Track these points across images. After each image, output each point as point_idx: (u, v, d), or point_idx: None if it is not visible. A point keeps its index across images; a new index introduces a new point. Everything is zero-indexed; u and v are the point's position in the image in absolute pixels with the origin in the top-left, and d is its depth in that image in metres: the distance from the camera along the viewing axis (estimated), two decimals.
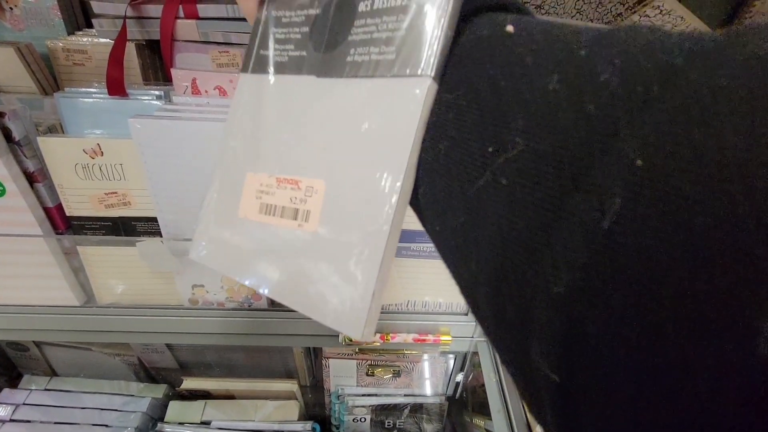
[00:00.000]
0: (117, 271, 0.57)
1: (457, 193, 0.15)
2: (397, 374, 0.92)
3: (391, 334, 0.60)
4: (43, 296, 0.57)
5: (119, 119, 0.50)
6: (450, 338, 0.60)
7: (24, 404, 0.87)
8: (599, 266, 0.11)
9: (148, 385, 0.93)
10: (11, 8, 0.60)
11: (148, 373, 0.96)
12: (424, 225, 0.19)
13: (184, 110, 0.48)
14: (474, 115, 0.14)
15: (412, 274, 0.57)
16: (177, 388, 0.91)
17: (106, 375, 0.94)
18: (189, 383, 0.91)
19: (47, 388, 0.91)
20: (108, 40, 0.58)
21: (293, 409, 0.93)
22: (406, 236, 0.54)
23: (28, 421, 0.84)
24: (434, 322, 0.60)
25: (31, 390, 0.90)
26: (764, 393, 0.08)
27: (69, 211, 0.52)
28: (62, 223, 0.54)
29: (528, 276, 0.12)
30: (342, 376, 0.93)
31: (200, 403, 0.91)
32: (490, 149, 0.14)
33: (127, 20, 0.54)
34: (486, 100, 0.14)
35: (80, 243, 0.53)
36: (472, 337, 0.62)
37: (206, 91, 0.53)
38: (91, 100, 0.49)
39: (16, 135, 0.47)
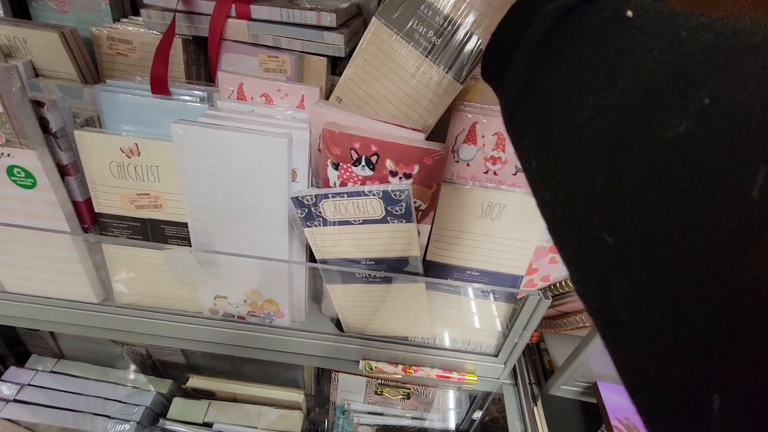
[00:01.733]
0: (139, 272, 0.55)
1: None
2: (406, 396, 0.89)
3: (414, 367, 0.58)
4: (63, 290, 0.55)
5: (160, 118, 0.48)
6: (475, 378, 0.57)
7: (29, 385, 0.86)
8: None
9: (154, 379, 0.91)
10: None
11: (153, 365, 0.95)
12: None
13: (229, 118, 0.46)
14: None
15: (443, 310, 0.54)
16: (182, 386, 0.90)
17: (112, 362, 0.93)
18: (195, 382, 0.89)
19: (53, 370, 0.90)
20: (154, 32, 0.56)
21: (297, 419, 0.91)
22: (442, 271, 0.51)
23: (32, 404, 0.83)
24: (460, 360, 0.57)
25: (37, 371, 0.89)
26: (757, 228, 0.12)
27: (98, 208, 0.51)
28: (89, 218, 0.52)
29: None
30: (349, 391, 0.91)
31: (204, 403, 0.90)
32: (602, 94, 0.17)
33: (176, 15, 0.52)
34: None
35: (107, 242, 0.51)
36: (498, 378, 0.59)
37: (252, 98, 0.50)
38: (132, 96, 0.47)
39: (53, 126, 0.45)
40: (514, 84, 0.22)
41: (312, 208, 0.43)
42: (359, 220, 0.43)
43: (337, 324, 0.59)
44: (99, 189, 0.49)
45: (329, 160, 0.42)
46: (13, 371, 0.88)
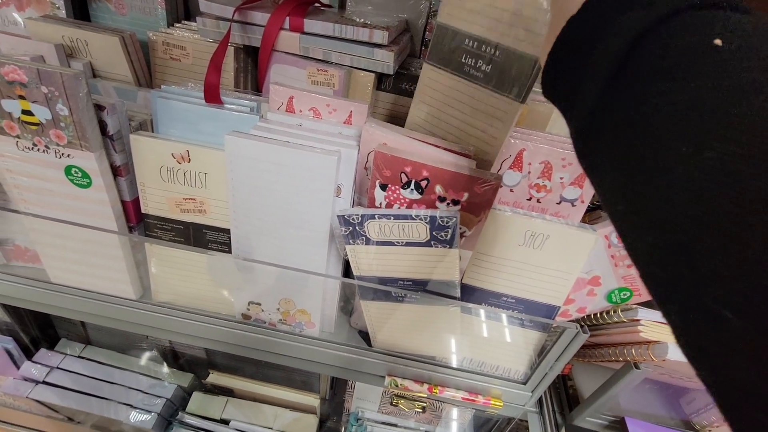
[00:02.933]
0: (178, 272, 0.56)
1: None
2: (422, 410, 0.89)
3: (439, 387, 0.57)
4: (104, 285, 0.57)
5: (211, 127, 0.49)
6: (501, 404, 0.57)
7: (58, 368, 0.89)
8: None
9: (175, 372, 0.93)
10: None
11: (176, 357, 0.97)
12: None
13: (279, 131, 0.46)
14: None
15: (475, 333, 0.54)
16: (202, 380, 0.92)
17: (136, 351, 0.96)
18: (215, 378, 0.91)
19: (81, 355, 0.93)
20: (208, 40, 0.57)
21: (311, 423, 0.91)
22: (477, 295, 0.51)
23: (59, 387, 0.86)
24: (487, 384, 0.57)
25: (66, 355, 0.92)
26: None
27: (145, 209, 0.52)
28: (135, 217, 0.54)
29: None
30: (365, 399, 0.91)
31: (222, 399, 0.91)
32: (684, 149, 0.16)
33: (232, 25, 0.53)
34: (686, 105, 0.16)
35: (154, 243, 0.52)
36: (524, 405, 0.58)
37: (300, 111, 0.51)
38: (186, 104, 0.48)
39: (111, 129, 0.47)
40: (588, 105, 0.21)
41: (357, 227, 0.43)
42: (402, 242, 0.44)
43: (365, 337, 0.59)
44: (148, 191, 0.50)
45: (378, 181, 0.42)
46: (43, 353, 0.91)
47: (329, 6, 0.62)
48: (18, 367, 0.88)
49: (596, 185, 0.21)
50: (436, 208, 0.42)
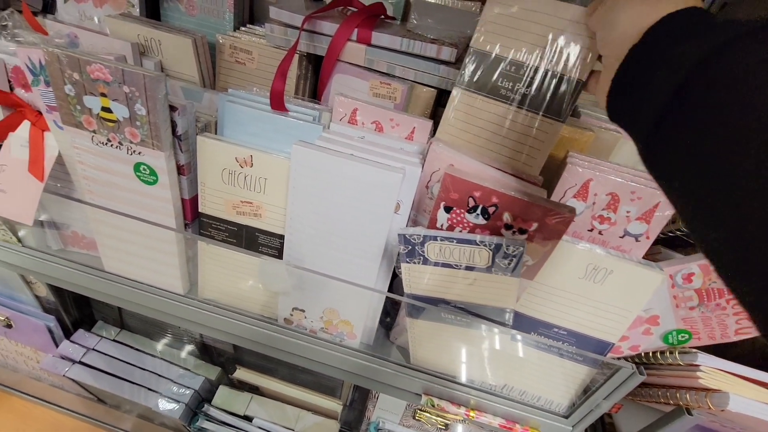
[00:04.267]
0: (226, 271, 0.57)
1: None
2: (444, 427, 0.87)
3: (476, 411, 0.56)
4: (155, 278, 0.58)
5: (275, 133, 0.49)
6: None
7: (93, 350, 0.92)
8: None
9: (203, 364, 0.95)
10: None
11: (204, 348, 0.98)
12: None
13: (342, 143, 0.46)
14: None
15: (520, 360, 0.52)
16: (229, 375, 0.93)
17: (166, 337, 0.98)
18: (241, 373, 0.92)
19: (115, 339, 0.96)
20: (273, 46, 0.57)
21: (332, 428, 0.91)
22: (527, 323, 0.50)
23: (94, 368, 0.89)
24: (527, 414, 0.55)
25: (101, 337, 0.94)
26: None
27: (202, 208, 0.53)
28: (191, 214, 0.55)
29: None
30: (387, 410, 0.90)
31: (247, 396, 0.92)
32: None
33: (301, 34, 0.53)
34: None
35: (210, 242, 0.53)
36: None
37: (363, 123, 0.51)
38: (252, 110, 0.49)
39: (180, 130, 0.48)
40: (653, 117, 0.23)
41: (416, 247, 0.43)
42: (462, 266, 0.43)
43: (403, 352, 0.59)
44: (207, 191, 0.51)
45: (443, 203, 0.41)
46: (80, 334, 0.94)
47: (393, 18, 0.62)
48: (57, 345, 0.92)
49: (666, 188, 0.24)
50: (501, 235, 0.41)
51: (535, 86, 0.42)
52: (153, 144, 0.45)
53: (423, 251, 0.43)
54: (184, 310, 0.60)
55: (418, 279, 0.46)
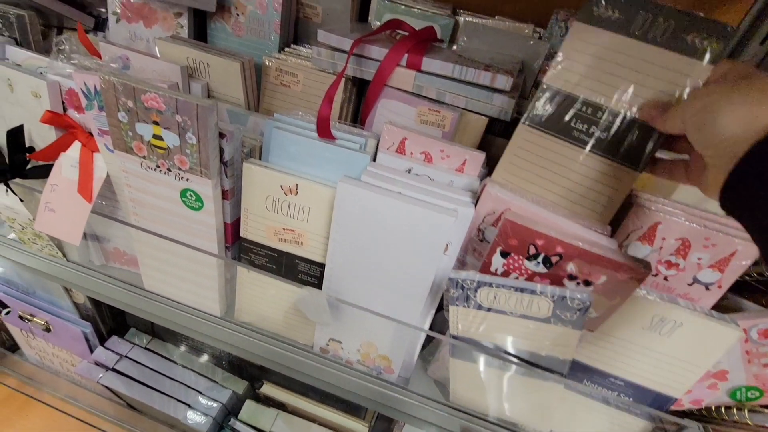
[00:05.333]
0: (264, 296, 0.56)
1: None
2: None
3: None
4: (193, 299, 0.58)
5: (321, 162, 0.48)
6: None
7: (126, 357, 0.93)
8: None
9: (231, 377, 0.95)
10: (238, 15, 0.61)
11: (231, 360, 0.98)
12: None
13: (390, 178, 0.45)
14: None
15: (572, 409, 0.49)
16: (256, 390, 0.92)
17: (196, 347, 0.98)
18: (268, 389, 0.91)
19: (147, 347, 0.97)
20: (319, 69, 0.56)
21: None
22: (582, 370, 0.47)
23: (126, 375, 0.90)
24: None
25: (134, 345, 0.96)
26: None
27: (244, 233, 0.52)
28: (232, 238, 0.54)
29: None
30: None
31: (273, 412, 0.91)
32: None
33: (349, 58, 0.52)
34: None
35: (253, 270, 0.52)
36: None
37: (411, 153, 0.49)
38: (300, 137, 0.47)
39: (226, 156, 0.47)
40: None
41: (468, 292, 0.41)
42: (517, 314, 0.40)
43: (441, 387, 0.56)
44: (250, 217, 0.51)
45: (500, 248, 0.39)
46: (114, 340, 0.96)
47: (441, 41, 0.60)
48: (92, 351, 0.94)
49: None
50: (562, 285, 0.38)
51: (612, 131, 0.39)
52: (201, 172, 0.45)
53: (475, 296, 0.41)
54: (220, 332, 0.59)
55: (466, 323, 0.44)
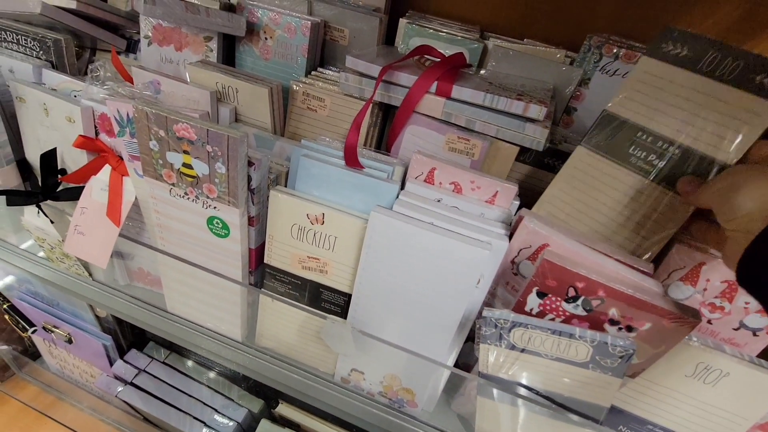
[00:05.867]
0: (286, 322, 0.55)
1: None
2: None
3: None
4: (214, 323, 0.58)
5: (349, 191, 0.47)
6: None
7: (144, 371, 0.94)
8: None
9: (247, 395, 0.94)
10: (267, 39, 0.62)
11: (247, 377, 0.98)
12: None
13: (423, 208, 0.44)
14: None
15: None
16: (272, 410, 0.92)
17: (213, 363, 0.98)
18: (284, 409, 0.90)
19: (165, 361, 0.97)
20: (345, 94, 0.56)
21: None
22: (618, 415, 0.44)
23: (144, 390, 0.90)
24: None
25: (152, 359, 0.96)
26: None
27: (267, 259, 0.52)
28: (255, 263, 0.54)
29: None
30: None
31: None
32: None
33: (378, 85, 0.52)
34: None
35: (278, 299, 0.52)
36: None
37: (440, 183, 0.48)
38: (327, 166, 0.47)
39: (254, 183, 0.47)
40: None
41: (502, 331, 0.39)
42: (552, 357, 0.38)
43: (464, 422, 0.54)
44: (275, 244, 0.50)
45: (536, 288, 0.37)
46: (133, 354, 0.97)
47: (469, 65, 0.59)
48: (111, 363, 0.94)
49: None
50: (603, 329, 0.36)
51: (671, 162, 0.40)
52: (229, 201, 0.45)
53: (508, 336, 0.39)
54: (241, 357, 0.59)
55: (497, 362, 0.42)
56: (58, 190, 0.54)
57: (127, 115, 0.45)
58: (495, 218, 0.45)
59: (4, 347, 1.13)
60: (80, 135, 0.49)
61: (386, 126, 0.62)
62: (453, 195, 0.47)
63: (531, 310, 0.39)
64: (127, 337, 0.97)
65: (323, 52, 0.66)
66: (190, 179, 0.45)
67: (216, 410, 0.89)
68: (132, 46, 0.69)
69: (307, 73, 0.62)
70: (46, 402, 1.14)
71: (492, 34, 0.65)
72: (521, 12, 0.66)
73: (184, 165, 0.44)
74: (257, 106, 0.56)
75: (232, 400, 0.92)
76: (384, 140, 0.62)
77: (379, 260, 0.44)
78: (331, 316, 0.51)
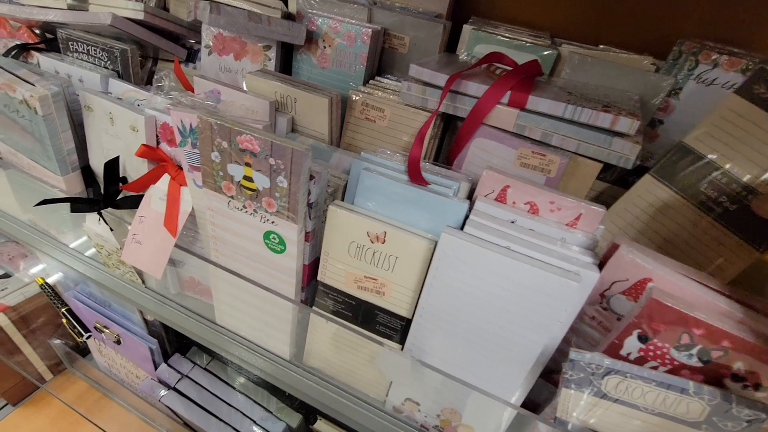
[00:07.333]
0: (337, 343, 0.52)
1: None
2: None
3: None
4: (262, 339, 0.56)
5: (413, 208, 0.44)
6: None
7: (186, 376, 0.94)
8: None
9: (285, 408, 0.92)
10: (325, 47, 0.60)
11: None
12: None
13: (494, 230, 0.39)
14: None
15: None
16: (310, 426, 0.89)
17: (255, 375, 0.97)
18: (322, 426, 0.87)
19: (206, 368, 0.97)
20: (406, 104, 0.53)
21: None
22: None
23: (186, 397, 0.90)
24: None
25: (195, 364, 0.96)
26: None
27: (322, 277, 0.49)
28: (308, 279, 0.51)
29: None
30: None
31: None
32: None
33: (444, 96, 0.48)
34: None
35: (332, 320, 0.49)
36: None
37: (514, 203, 0.43)
38: (391, 181, 0.44)
39: (312, 198, 0.44)
40: None
41: (591, 377, 0.34)
42: (653, 411, 0.33)
43: None
44: (330, 262, 0.47)
45: (637, 331, 0.32)
46: (177, 358, 0.98)
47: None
48: (156, 366, 0.96)
49: None
50: (722, 385, 0.31)
51: (742, 206, 0.39)
52: (288, 216, 0.43)
53: (600, 383, 0.34)
54: (287, 375, 0.57)
55: (581, 410, 0.37)
56: (118, 198, 0.54)
57: (190, 125, 0.44)
58: (578, 244, 0.40)
59: (58, 341, 1.18)
60: (143, 144, 0.49)
61: (444, 137, 0.58)
62: (528, 216, 0.43)
63: (628, 354, 0.34)
64: (172, 341, 0.98)
65: (380, 61, 0.64)
66: (249, 192, 0.43)
67: (255, 422, 0.88)
68: (192, 56, 0.70)
69: (365, 82, 0.60)
70: (93, 398, 1.18)
71: (563, 40, 0.60)
72: (595, 16, 0.61)
73: (245, 177, 0.42)
74: (315, 116, 0.54)
75: (271, 413, 0.90)
76: (443, 153, 0.58)
77: (446, 285, 0.41)
78: (387, 341, 0.47)
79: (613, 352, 0.34)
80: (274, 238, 0.45)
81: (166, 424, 1.05)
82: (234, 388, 0.94)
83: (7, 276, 1.24)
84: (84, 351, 1.22)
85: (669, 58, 0.52)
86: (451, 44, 0.63)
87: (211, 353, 1.01)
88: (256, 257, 0.48)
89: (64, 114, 0.51)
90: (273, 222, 0.44)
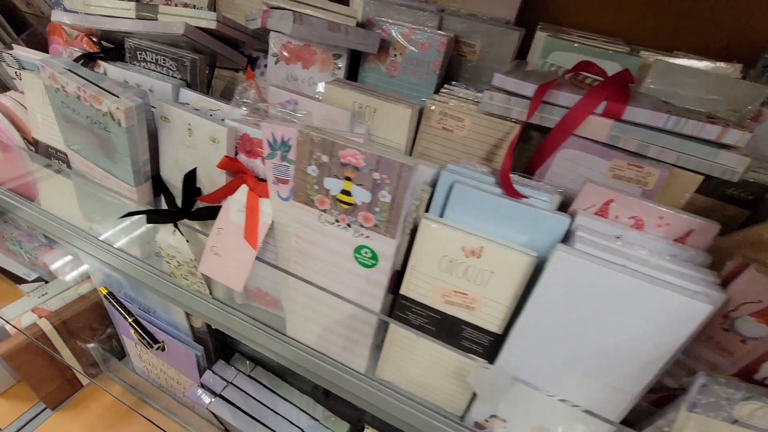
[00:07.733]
0: (414, 356, 0.51)
1: None
2: None
3: None
4: (338, 352, 0.55)
5: (508, 221, 0.43)
6: None
7: (231, 383, 0.94)
8: None
9: (332, 417, 0.91)
10: (396, 55, 0.59)
11: (334, 397, 0.95)
12: None
13: (604, 246, 0.38)
14: None
15: None
16: None
17: (298, 379, 0.96)
18: None
19: (250, 375, 0.97)
20: (486, 114, 0.52)
21: None
22: None
23: (232, 404, 0.90)
24: None
25: (239, 372, 0.96)
26: None
27: (405, 290, 0.48)
28: (388, 289, 0.51)
29: None
30: None
31: None
32: None
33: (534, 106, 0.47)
34: None
35: (418, 334, 0.48)
36: None
37: (616, 217, 0.42)
38: (483, 192, 0.43)
39: (403, 211, 0.43)
40: None
41: (723, 402, 0.33)
42: None
43: None
44: (416, 275, 0.46)
45: None
46: (221, 365, 0.97)
47: None
48: (200, 374, 0.95)
49: None
50: None
51: None
52: (386, 231, 0.42)
53: (732, 409, 0.33)
54: (362, 390, 0.56)
55: None
56: (193, 209, 0.53)
57: (282, 138, 0.44)
58: (690, 261, 0.39)
59: (93, 345, 1.18)
60: (225, 156, 0.49)
61: (523, 148, 0.57)
62: (633, 231, 0.41)
63: (764, 379, 0.32)
64: (216, 348, 0.98)
65: (449, 69, 0.63)
66: (345, 206, 0.42)
67: (303, 430, 0.87)
68: (251, 64, 0.69)
69: (436, 91, 0.59)
70: (130, 402, 1.18)
71: (638, 46, 0.59)
72: (672, 21, 0.60)
73: (343, 192, 0.41)
74: (395, 126, 0.53)
75: (318, 421, 0.90)
76: (528, 164, 0.57)
77: (554, 303, 0.39)
78: (478, 358, 0.46)
79: (747, 376, 0.33)
80: (366, 252, 0.44)
81: (206, 430, 1.05)
82: (279, 395, 0.93)
83: (43, 281, 1.25)
84: (120, 354, 1.22)
85: (759, 65, 0.51)
86: (521, 51, 0.62)
87: (255, 360, 1.00)
88: (342, 271, 0.47)
89: (143, 125, 0.50)
90: (368, 236, 0.43)
